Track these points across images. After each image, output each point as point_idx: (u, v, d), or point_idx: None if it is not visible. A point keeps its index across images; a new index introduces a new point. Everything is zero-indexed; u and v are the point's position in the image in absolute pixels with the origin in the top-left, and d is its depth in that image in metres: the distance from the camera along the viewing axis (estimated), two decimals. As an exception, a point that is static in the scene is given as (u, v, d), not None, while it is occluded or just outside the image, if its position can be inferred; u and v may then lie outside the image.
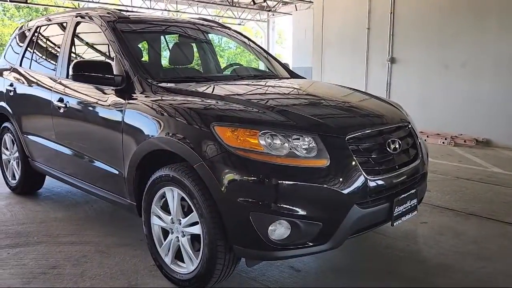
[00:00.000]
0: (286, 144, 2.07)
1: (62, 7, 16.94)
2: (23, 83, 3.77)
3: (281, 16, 15.38)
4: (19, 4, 20.86)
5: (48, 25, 3.83)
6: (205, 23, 3.76)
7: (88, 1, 14.45)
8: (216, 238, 2.14)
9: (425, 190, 2.72)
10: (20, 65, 3.99)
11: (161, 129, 2.36)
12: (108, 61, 2.85)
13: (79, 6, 15.03)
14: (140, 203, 2.64)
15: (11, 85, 3.90)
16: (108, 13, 3.18)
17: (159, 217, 2.48)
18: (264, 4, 14.44)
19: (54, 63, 3.52)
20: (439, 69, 7.56)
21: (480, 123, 7.10)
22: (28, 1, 13.98)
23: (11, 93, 3.89)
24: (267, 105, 2.37)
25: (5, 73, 4.13)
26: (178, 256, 2.44)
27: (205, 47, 3.77)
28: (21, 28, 4.33)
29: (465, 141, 7.12)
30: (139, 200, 2.64)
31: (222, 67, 3.85)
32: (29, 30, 4.07)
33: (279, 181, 2.00)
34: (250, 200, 2.01)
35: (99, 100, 2.85)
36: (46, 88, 3.42)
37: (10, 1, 14.00)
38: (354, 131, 2.23)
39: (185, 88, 2.66)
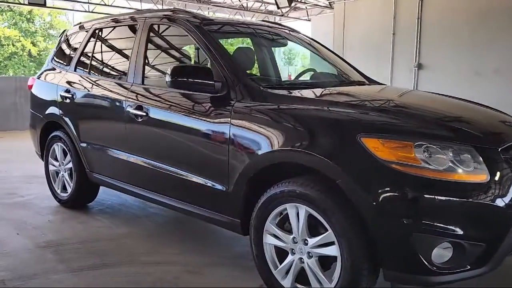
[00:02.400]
0: (445, 157, 1.89)
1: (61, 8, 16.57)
2: (84, 89, 3.52)
3: (294, 21, 15.29)
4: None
5: (111, 27, 3.59)
6: (279, 26, 3.57)
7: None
8: (360, 261, 1.95)
9: None
10: (75, 70, 3.74)
11: (285, 141, 2.15)
12: (208, 66, 2.63)
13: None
14: (245, 220, 2.44)
15: (67, 91, 3.64)
16: (193, 16, 2.97)
17: (276, 236, 2.27)
18: (272, 9, 14.35)
19: (124, 68, 3.28)
20: (470, 76, 7.49)
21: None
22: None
23: (67, 100, 3.63)
24: (409, 113, 2.19)
25: (56, 78, 3.88)
26: (298, 279, 2.23)
27: (285, 52, 3.59)
28: (72, 31, 4.08)
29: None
30: (245, 217, 2.44)
31: (298, 73, 3.68)
32: (84, 32, 3.82)
33: (444, 199, 1.82)
34: (411, 220, 1.82)
35: (193, 108, 2.63)
36: (117, 95, 3.18)
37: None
38: (505, 142, 2.07)
39: (303, 95, 2.46)
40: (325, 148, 2.02)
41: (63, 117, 3.68)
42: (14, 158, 6.28)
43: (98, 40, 3.64)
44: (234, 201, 2.44)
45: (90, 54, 3.69)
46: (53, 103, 3.83)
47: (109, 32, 3.63)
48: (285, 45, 3.56)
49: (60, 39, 4.20)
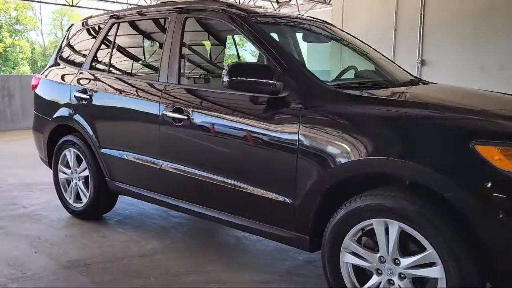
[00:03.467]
0: None
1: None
2: (105, 90, 3.17)
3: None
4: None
5: (133, 21, 3.24)
6: (318, 20, 3.30)
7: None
8: (471, 283, 1.72)
9: None
10: (90, 68, 3.38)
11: (376, 149, 1.90)
12: (265, 63, 2.35)
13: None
14: (314, 236, 2.18)
15: (84, 91, 3.28)
16: (238, 8, 2.67)
17: (357, 255, 2.02)
18: (261, 4, 14.07)
19: (153, 66, 2.96)
20: (475, 72, 7.43)
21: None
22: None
23: (84, 101, 3.27)
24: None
25: (68, 77, 3.50)
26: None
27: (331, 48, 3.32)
28: (83, 25, 3.70)
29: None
30: (314, 233, 2.18)
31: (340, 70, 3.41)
32: (99, 27, 3.46)
33: None
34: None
35: (249, 111, 2.34)
36: (148, 96, 2.86)
37: None
38: None
39: (388, 97, 2.22)
40: (430, 157, 1.78)
41: (78, 120, 3.32)
42: (4, 163, 5.81)
43: (118, 36, 3.29)
44: (302, 215, 2.18)
45: (108, 51, 3.34)
46: (65, 104, 3.46)
47: (131, 26, 3.28)
48: (326, 41, 3.30)
49: (67, 34, 3.82)
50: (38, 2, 15.28)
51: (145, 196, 3.01)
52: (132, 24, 3.26)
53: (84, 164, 3.41)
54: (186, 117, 2.59)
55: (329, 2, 13.11)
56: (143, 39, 3.30)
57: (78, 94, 3.31)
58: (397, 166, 1.84)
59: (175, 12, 2.86)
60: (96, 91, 3.21)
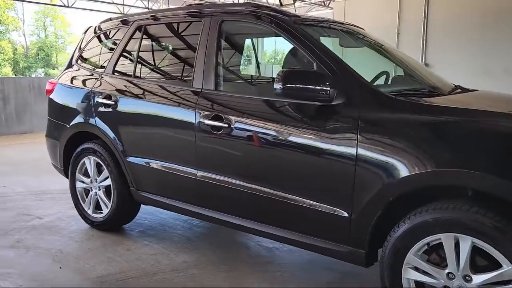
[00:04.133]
0: None
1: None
2: (131, 95, 3.03)
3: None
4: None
5: (160, 24, 3.10)
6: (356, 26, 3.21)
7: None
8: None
9: None
10: (113, 72, 3.24)
11: (450, 160, 1.81)
12: (317, 70, 2.24)
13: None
14: (371, 250, 2.10)
15: (108, 97, 3.13)
16: (279, 12, 2.57)
17: (421, 270, 1.93)
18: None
19: (185, 72, 2.85)
20: (479, 75, 7.46)
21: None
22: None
23: (108, 108, 3.12)
24: None
25: (89, 82, 3.35)
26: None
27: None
28: (100, 28, 3.55)
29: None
30: (371, 247, 2.09)
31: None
32: (119, 30, 3.32)
33: None
34: None
35: (299, 120, 2.23)
36: (182, 102, 2.73)
37: None
38: None
39: (440, 104, 2.13)
40: (503, 167, 1.71)
41: (101, 127, 3.18)
42: (6, 170, 5.59)
43: (144, 39, 3.15)
44: (359, 229, 2.09)
45: (133, 55, 3.20)
46: (85, 110, 3.31)
47: (158, 30, 3.15)
48: (361, 46, 3.21)
49: (85, 37, 3.67)
50: (29, 2, 14.91)
51: (176, 207, 2.89)
52: (160, 27, 3.12)
53: (105, 173, 3.26)
54: (226, 125, 2.47)
55: (328, 5, 13.10)
56: (172, 43, 3.17)
57: (101, 100, 3.16)
58: (472, 178, 1.76)
59: (209, 16, 2.74)
60: (122, 97, 3.06)
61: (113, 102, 3.10)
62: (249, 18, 2.61)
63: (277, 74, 2.13)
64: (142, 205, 3.31)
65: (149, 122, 2.94)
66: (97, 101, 3.20)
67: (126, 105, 3.04)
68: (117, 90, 3.12)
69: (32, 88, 9.25)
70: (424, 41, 8.02)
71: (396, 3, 8.26)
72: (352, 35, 3.05)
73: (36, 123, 8.94)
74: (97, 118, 3.20)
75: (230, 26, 2.77)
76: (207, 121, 2.55)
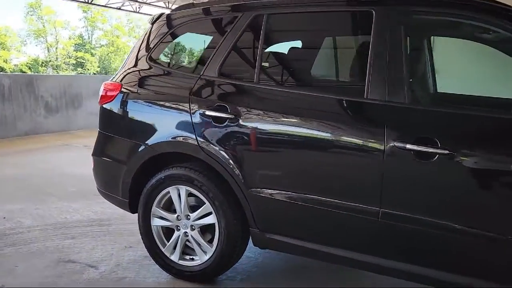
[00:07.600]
0: None
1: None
2: (262, 107, 2.24)
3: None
4: None
5: (295, 13, 2.35)
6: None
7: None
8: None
9: None
10: (219, 75, 2.43)
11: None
12: None
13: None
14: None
15: (218, 109, 2.32)
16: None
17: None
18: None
19: (351, 77, 2.16)
20: (483, 79, 7.44)
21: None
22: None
23: (221, 123, 2.31)
24: None
25: (181, 88, 2.51)
26: None
27: None
28: (183, 15, 2.69)
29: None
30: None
31: None
32: (224, 19, 2.52)
33: None
34: None
35: None
36: (356, 119, 2.06)
37: None
38: None
39: None
40: None
41: (209, 148, 2.36)
42: (5, 191, 4.39)
43: (269, 34, 2.38)
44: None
45: (250, 53, 2.43)
46: (178, 125, 2.47)
47: (291, 22, 2.40)
48: None
49: (155, 28, 2.78)
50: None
51: (338, 256, 2.18)
52: (299, 17, 2.37)
53: (206, 208, 2.45)
54: (446, 152, 1.85)
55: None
56: (320, 38, 2.44)
57: (210, 112, 2.35)
58: None
59: (383, 6, 2.09)
60: (247, 110, 2.28)
61: (231, 116, 2.30)
62: (470, 10, 1.98)
63: None
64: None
65: (298, 144, 2.20)
66: (202, 113, 2.38)
67: (254, 121, 2.25)
68: (235, 99, 2.34)
69: None
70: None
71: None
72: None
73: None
74: (202, 136, 2.38)
75: (417, 19, 2.15)
76: (408, 146, 1.90)
